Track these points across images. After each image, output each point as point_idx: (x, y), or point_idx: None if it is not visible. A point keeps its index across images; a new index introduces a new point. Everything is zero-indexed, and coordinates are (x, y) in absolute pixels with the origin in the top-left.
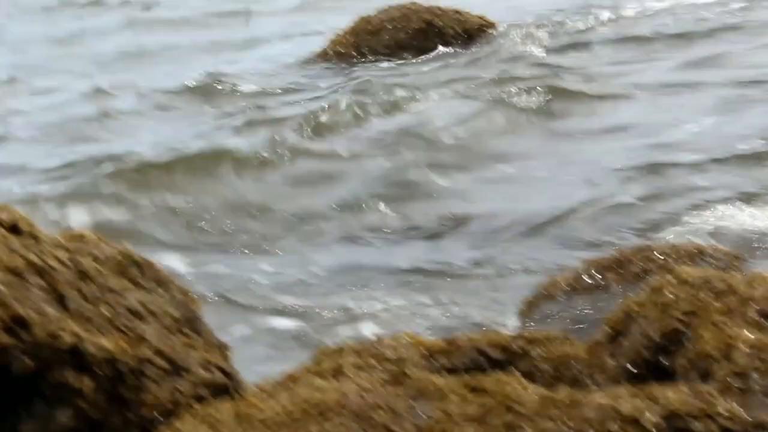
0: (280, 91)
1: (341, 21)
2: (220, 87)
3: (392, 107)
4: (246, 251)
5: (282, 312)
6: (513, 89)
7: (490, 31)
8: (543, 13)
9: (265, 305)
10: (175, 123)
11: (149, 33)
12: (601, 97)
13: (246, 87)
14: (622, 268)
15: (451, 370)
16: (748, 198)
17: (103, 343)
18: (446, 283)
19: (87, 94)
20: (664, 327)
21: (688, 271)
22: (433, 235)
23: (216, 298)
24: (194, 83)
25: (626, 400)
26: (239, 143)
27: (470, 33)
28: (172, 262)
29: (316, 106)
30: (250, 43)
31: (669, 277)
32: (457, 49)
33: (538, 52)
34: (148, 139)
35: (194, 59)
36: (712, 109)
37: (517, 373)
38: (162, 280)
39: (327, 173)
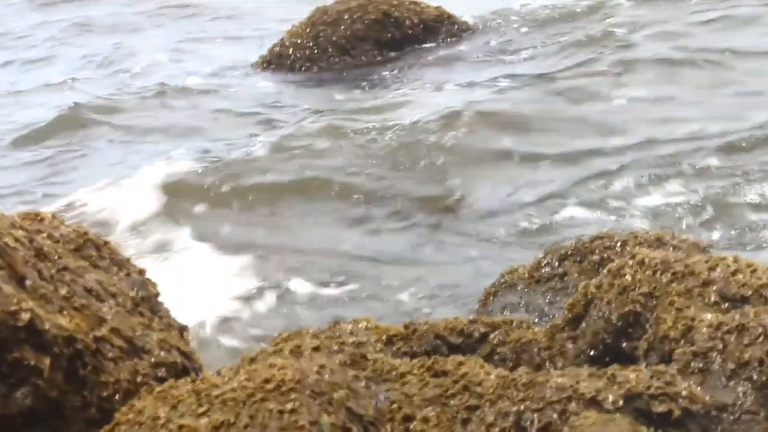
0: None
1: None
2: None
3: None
4: None
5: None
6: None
7: (447, 22)
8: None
9: None
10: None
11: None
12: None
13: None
14: (581, 256)
15: (410, 355)
16: None
17: (61, 322)
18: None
19: None
20: (624, 310)
21: (647, 253)
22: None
23: None
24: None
25: (586, 380)
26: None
27: (427, 24)
28: None
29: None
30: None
31: (628, 259)
32: (416, 44)
33: (496, 43)
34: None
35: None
36: None
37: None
38: (119, 261)
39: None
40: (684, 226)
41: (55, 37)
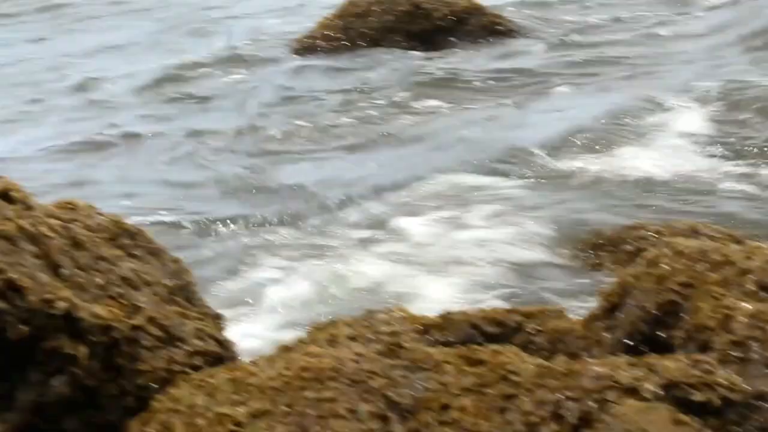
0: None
1: None
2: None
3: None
4: None
5: None
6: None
7: (477, 14)
8: None
9: None
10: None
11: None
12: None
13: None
14: (616, 247)
15: (446, 345)
16: None
17: (97, 310)
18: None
19: None
20: (661, 299)
21: (684, 242)
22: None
23: None
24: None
25: (624, 369)
26: None
27: (457, 16)
28: None
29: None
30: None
31: (665, 249)
32: (446, 36)
33: (528, 35)
34: None
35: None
36: None
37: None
38: (154, 250)
39: None
40: None
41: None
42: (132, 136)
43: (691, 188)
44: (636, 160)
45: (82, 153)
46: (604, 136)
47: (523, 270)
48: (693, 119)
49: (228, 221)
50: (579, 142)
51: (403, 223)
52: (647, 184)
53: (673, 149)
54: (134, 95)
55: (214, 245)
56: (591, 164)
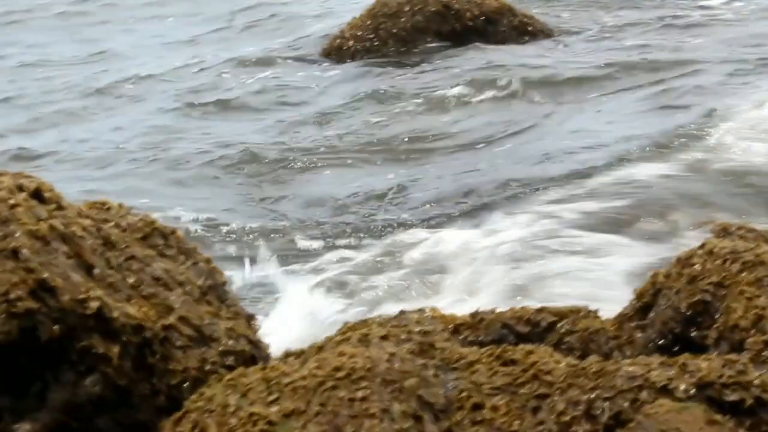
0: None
1: None
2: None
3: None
4: None
5: None
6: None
7: (508, 14)
8: None
9: None
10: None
11: None
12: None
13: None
14: None
15: (477, 344)
16: None
17: (129, 310)
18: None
19: None
20: (693, 299)
21: (716, 242)
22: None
23: None
24: None
25: (657, 369)
26: None
27: (488, 16)
28: None
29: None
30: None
31: (697, 248)
32: (477, 37)
33: (558, 35)
34: None
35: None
36: None
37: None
38: (186, 250)
39: None
40: None
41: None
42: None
43: None
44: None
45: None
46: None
47: None
48: None
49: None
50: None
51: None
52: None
53: None
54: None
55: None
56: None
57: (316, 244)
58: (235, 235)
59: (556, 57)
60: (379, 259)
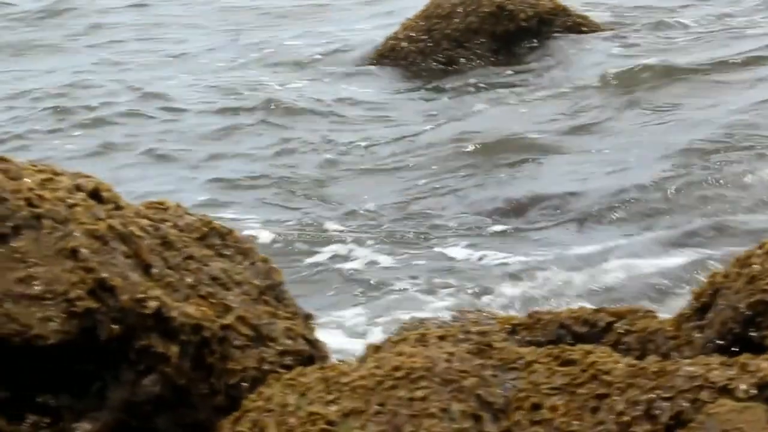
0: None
1: None
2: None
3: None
4: None
5: None
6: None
7: (562, 14)
8: None
9: None
10: None
11: None
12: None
13: None
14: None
15: (534, 344)
16: None
17: (188, 310)
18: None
19: None
20: (752, 299)
21: None
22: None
23: None
24: None
25: (717, 369)
26: None
27: (542, 17)
28: None
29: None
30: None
31: (756, 248)
32: (531, 37)
33: (614, 36)
34: None
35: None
36: None
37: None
38: (244, 250)
39: None
40: None
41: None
42: None
43: None
44: None
45: None
46: None
47: None
48: None
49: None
50: None
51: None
52: None
53: None
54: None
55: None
56: None
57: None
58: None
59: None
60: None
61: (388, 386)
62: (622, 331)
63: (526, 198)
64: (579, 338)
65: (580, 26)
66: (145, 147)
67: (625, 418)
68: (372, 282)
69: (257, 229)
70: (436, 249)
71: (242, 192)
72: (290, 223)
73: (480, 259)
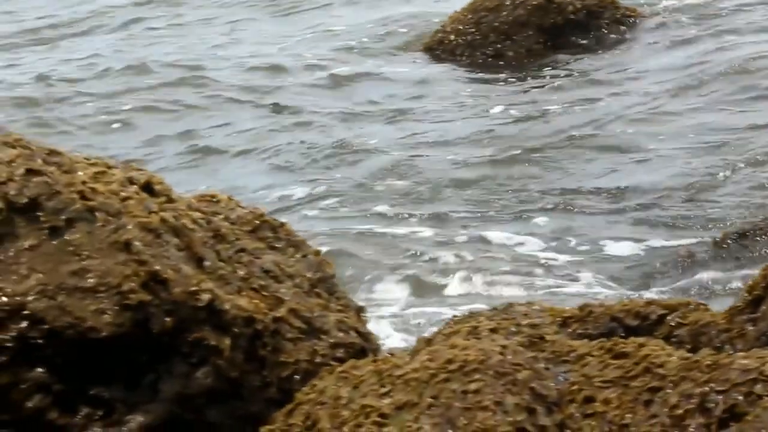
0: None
1: None
2: None
3: None
4: None
5: None
6: None
7: (611, 7)
8: None
9: None
10: None
11: None
12: None
13: None
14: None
15: (586, 337)
16: None
17: (240, 302)
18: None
19: None
20: None
21: None
22: None
23: None
24: None
25: None
26: None
27: (590, 10)
28: None
29: None
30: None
31: None
32: (579, 31)
33: (663, 29)
34: None
35: None
36: None
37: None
38: (295, 242)
39: None
40: None
41: None
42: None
43: None
44: None
45: None
46: None
47: None
48: None
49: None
50: None
51: None
52: None
53: None
54: None
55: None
56: None
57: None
58: None
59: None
60: None
61: (441, 379)
62: (674, 324)
63: (588, 189)
64: (631, 331)
65: (628, 17)
66: None
67: (679, 412)
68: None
69: None
70: (483, 233)
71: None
72: None
73: (532, 248)
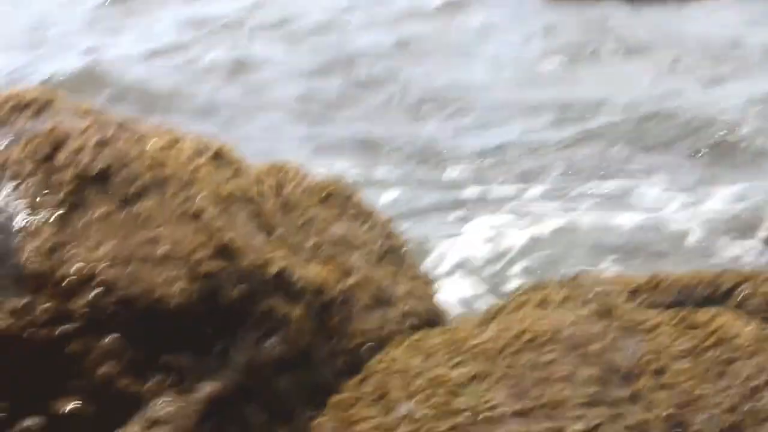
0: None
1: None
2: None
3: None
4: None
5: None
6: None
7: None
8: None
9: None
10: None
11: None
12: None
13: None
14: None
15: (656, 308)
16: None
17: (309, 272)
18: None
19: None
20: None
21: None
22: None
23: None
24: None
25: None
26: None
27: None
28: None
29: None
30: None
31: None
32: None
33: None
34: None
35: None
36: None
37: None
38: (365, 212)
39: None
40: None
41: None
42: None
43: None
44: None
45: None
46: None
47: None
48: None
49: None
50: None
51: None
52: None
53: None
54: None
55: None
56: None
57: None
58: None
59: None
60: None
61: (514, 350)
62: (746, 295)
63: None
64: (701, 301)
65: None
66: None
67: (753, 383)
68: None
69: None
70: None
71: None
72: None
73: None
